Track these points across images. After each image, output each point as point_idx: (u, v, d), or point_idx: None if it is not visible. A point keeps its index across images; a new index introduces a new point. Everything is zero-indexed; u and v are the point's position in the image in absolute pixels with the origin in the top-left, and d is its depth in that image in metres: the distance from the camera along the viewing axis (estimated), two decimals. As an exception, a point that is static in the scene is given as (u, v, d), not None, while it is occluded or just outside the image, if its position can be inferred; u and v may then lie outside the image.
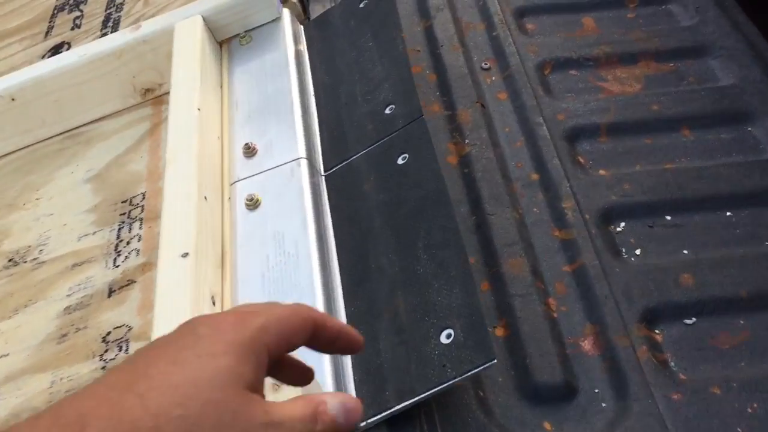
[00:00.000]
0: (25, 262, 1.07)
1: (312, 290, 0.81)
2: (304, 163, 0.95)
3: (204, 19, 1.13)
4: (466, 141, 1.04)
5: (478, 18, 1.23)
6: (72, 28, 1.40)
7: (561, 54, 1.15)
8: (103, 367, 0.90)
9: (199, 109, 0.99)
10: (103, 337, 0.93)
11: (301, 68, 1.11)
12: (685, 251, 0.90)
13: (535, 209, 0.96)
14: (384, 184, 0.91)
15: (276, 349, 0.45)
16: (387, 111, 0.98)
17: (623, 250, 0.91)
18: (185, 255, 0.82)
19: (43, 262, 1.06)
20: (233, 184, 0.97)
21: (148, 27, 1.15)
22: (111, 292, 0.99)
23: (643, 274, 0.87)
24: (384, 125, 0.97)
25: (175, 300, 0.78)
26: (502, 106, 1.09)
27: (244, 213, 0.92)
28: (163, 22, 1.14)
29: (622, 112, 1.06)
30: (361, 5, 1.15)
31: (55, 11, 1.47)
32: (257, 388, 0.43)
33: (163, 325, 0.77)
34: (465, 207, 0.96)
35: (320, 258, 0.85)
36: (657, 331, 0.83)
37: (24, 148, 1.24)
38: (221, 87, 1.12)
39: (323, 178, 0.98)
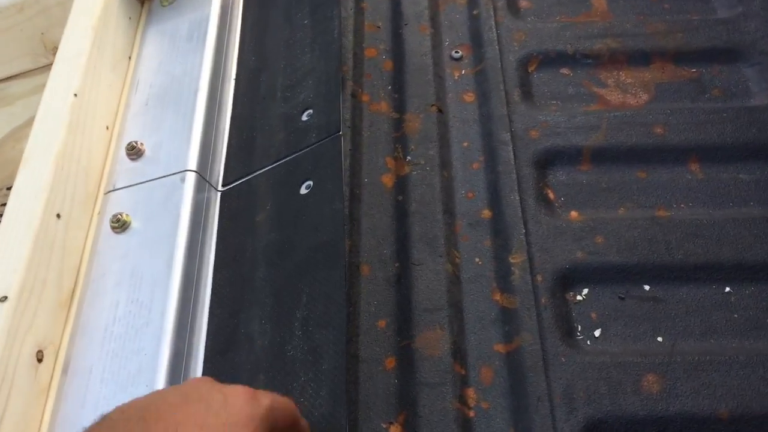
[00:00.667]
0: None
1: (155, 362, 0.63)
2: (191, 177, 0.75)
3: (119, -29, 0.93)
4: (408, 158, 0.82)
5: (460, -12, 0.99)
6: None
7: (553, 46, 0.91)
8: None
9: (75, 95, 0.80)
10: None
11: (224, 44, 0.90)
12: (660, 338, 0.69)
13: (477, 260, 0.75)
14: (279, 218, 0.72)
15: (273, 429, 0.49)
16: (304, 117, 0.78)
17: (578, 329, 0.70)
18: (4, 299, 0.65)
19: None
20: (108, 194, 0.78)
21: (54, -23, 0.95)
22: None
23: (595, 369, 0.67)
24: (296, 136, 0.77)
25: (-23, 360, 0.62)
26: (465, 112, 0.86)
27: (109, 236, 0.74)
28: (70, -29, 0.94)
29: (616, 132, 0.83)
30: (308, -32, 0.93)
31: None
32: None
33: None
34: (388, 248, 0.76)
35: (178, 314, 0.67)
36: (599, 454, 0.63)
37: (-73, 105, 1.08)
38: (129, 59, 0.92)
39: (219, 194, 0.79)
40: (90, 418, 0.63)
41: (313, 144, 0.74)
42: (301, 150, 0.75)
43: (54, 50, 1.02)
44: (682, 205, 0.78)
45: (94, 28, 0.86)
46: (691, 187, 0.79)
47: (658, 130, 0.82)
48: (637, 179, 0.80)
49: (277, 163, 0.76)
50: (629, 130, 0.83)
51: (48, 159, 0.74)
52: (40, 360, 0.67)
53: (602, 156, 0.81)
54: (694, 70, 0.88)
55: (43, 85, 1.02)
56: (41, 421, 0.65)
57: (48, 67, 1.04)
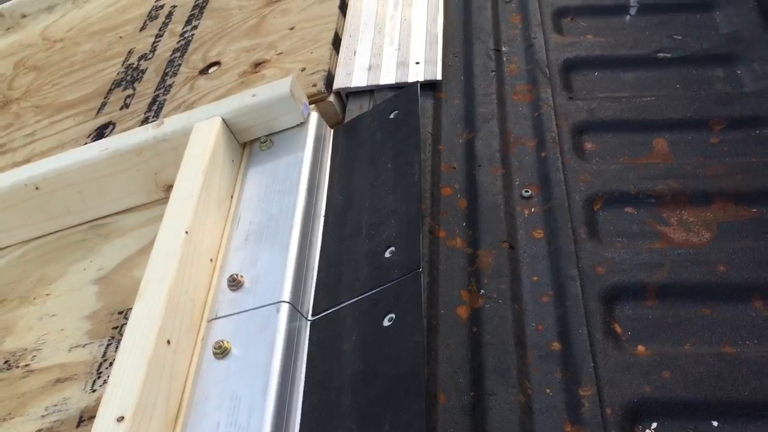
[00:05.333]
0: (18, 367, 1.03)
1: (250, 483, 0.70)
2: (284, 308, 0.84)
3: (225, 121, 1.06)
4: (482, 291, 0.89)
5: (529, 132, 1.08)
6: (121, 108, 1.38)
7: (618, 186, 0.98)
8: None
9: (187, 232, 0.90)
10: (60, 476, 0.87)
11: (315, 185, 1.01)
12: (730, 476, 0.71)
13: (548, 391, 0.79)
14: (364, 348, 0.79)
15: None
16: (387, 254, 0.86)
17: (648, 464, 0.73)
18: (120, 419, 0.73)
19: (32, 370, 1.02)
20: (210, 322, 0.87)
21: (169, 125, 1.09)
22: (80, 422, 0.92)
23: (666, 505, 0.69)
24: (380, 272, 0.85)
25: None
26: (535, 248, 0.93)
27: (211, 361, 0.83)
28: (183, 121, 1.08)
29: (680, 270, 0.87)
30: (391, 116, 1.04)
31: (113, 86, 1.46)
32: None
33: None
34: (464, 377, 0.81)
35: (272, 437, 0.73)
36: None
37: (51, 233, 1.22)
38: (232, 197, 1.04)
39: (309, 323, 0.86)
40: None
41: (395, 280, 0.82)
42: (384, 285, 0.83)
43: (165, 187, 1.15)
44: (748, 343, 0.81)
45: (204, 171, 0.98)
46: (756, 325, 0.82)
47: (722, 268, 0.87)
48: (701, 315, 0.84)
49: (362, 296, 0.84)
50: (693, 267, 0.87)
51: (163, 290, 0.84)
52: (148, 476, 0.74)
53: (667, 292, 0.86)
54: (755, 210, 0.93)
55: (153, 219, 1.16)
56: None
57: (158, 202, 1.18)
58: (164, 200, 1.16)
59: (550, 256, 0.92)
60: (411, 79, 1.18)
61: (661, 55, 1.18)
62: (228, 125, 1.07)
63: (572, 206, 0.96)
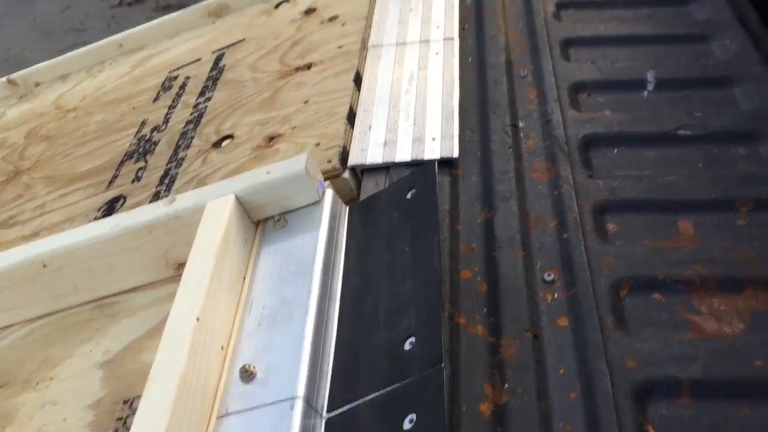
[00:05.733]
0: (15, 459, 0.99)
1: None
2: (299, 405, 0.80)
3: (238, 199, 1.04)
4: (506, 385, 0.85)
5: (549, 212, 1.05)
6: (132, 181, 1.37)
7: (643, 272, 0.94)
8: None
9: (197, 319, 0.87)
10: None
11: (330, 267, 0.98)
12: None
13: (579, 498, 0.74)
14: (383, 451, 0.74)
15: None
16: (406, 346, 0.82)
17: None
18: None
19: (30, 465, 0.97)
20: (220, 419, 0.83)
21: (181, 202, 1.07)
22: None
23: None
24: (400, 366, 0.81)
25: None
26: (559, 337, 0.89)
27: (221, 463, 0.78)
28: (196, 198, 1.06)
29: (713, 364, 0.83)
30: (408, 196, 1.01)
31: (124, 158, 1.45)
32: None
33: None
34: (489, 482, 0.77)
35: None
36: None
37: (56, 312, 1.19)
38: (244, 278, 1.01)
39: (324, 421, 0.82)
40: None
41: (417, 375, 0.78)
42: (404, 381, 0.79)
43: (175, 265, 1.12)
44: (791, 445, 0.76)
45: (216, 253, 0.95)
46: (798, 426, 0.78)
47: (759, 363, 0.82)
48: (741, 415, 0.79)
49: (381, 392, 0.80)
50: (728, 361, 0.83)
51: (171, 382, 0.80)
52: None
53: (702, 389, 0.81)
54: (789, 298, 0.89)
55: (163, 298, 1.12)
56: None
57: (168, 280, 1.14)
58: (174, 278, 1.13)
59: (576, 347, 0.87)
60: (427, 155, 1.16)
61: (681, 132, 1.16)
62: (241, 203, 1.04)
63: (597, 292, 0.92)
